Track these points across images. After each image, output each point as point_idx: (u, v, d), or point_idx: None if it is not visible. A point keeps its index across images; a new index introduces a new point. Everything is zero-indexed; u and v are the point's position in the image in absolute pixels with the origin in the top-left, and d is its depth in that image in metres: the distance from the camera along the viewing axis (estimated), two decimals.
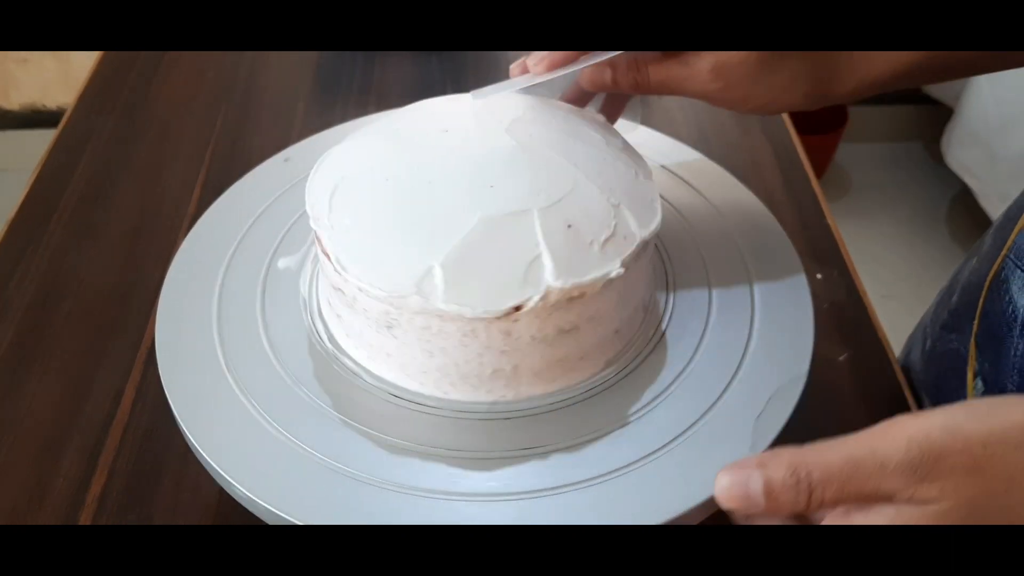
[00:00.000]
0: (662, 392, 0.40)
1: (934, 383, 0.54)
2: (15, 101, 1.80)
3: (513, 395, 0.40)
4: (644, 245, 0.39)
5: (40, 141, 0.73)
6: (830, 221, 0.62)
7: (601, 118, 0.45)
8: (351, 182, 0.41)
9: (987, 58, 0.42)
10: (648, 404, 0.39)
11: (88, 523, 0.44)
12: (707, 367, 0.41)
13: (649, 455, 0.37)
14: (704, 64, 0.39)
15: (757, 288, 0.45)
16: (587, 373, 0.41)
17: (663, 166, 0.53)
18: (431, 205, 0.38)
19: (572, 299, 0.37)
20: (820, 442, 0.29)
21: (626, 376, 0.41)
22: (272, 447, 0.38)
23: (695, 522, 0.36)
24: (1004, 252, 0.48)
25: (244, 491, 0.36)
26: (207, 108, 0.73)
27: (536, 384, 0.40)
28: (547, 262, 0.37)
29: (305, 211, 0.41)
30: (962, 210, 1.78)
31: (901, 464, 0.28)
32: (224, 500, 0.42)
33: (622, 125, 0.48)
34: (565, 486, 0.36)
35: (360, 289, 0.38)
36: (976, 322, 0.49)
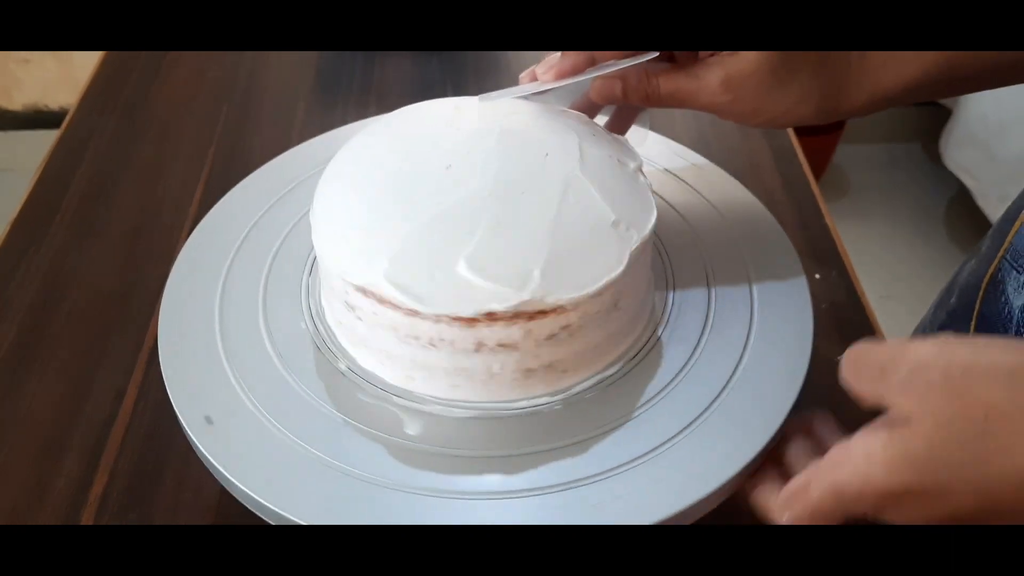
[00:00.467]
0: (661, 391, 0.40)
1: None
2: (17, 101, 1.80)
3: (514, 395, 0.40)
4: (642, 246, 0.40)
5: (42, 141, 0.73)
6: (829, 222, 0.62)
7: (585, 117, 0.45)
8: (349, 185, 0.41)
9: (997, 73, 0.42)
10: (647, 403, 0.39)
11: (89, 523, 0.44)
12: (706, 367, 0.41)
13: (647, 454, 0.37)
14: (714, 77, 0.39)
15: (757, 288, 0.45)
16: (587, 373, 0.41)
17: (659, 164, 0.53)
18: (429, 206, 0.38)
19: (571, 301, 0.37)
20: None
21: (626, 375, 0.41)
22: (274, 446, 0.38)
23: (693, 520, 0.36)
24: (1001, 253, 0.48)
25: (246, 490, 0.36)
26: (208, 108, 0.73)
27: (537, 384, 0.40)
28: (549, 265, 0.37)
29: (307, 211, 0.41)
30: (960, 211, 1.78)
31: (889, 367, 0.29)
32: (225, 500, 0.42)
33: (632, 134, 0.48)
34: (567, 484, 0.36)
35: (363, 294, 0.38)
36: (973, 323, 0.49)
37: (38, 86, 1.78)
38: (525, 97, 0.43)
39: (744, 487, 0.36)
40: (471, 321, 0.37)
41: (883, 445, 0.29)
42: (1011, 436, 0.27)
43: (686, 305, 0.44)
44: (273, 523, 0.36)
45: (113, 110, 0.72)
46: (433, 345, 0.38)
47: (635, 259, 0.39)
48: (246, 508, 0.37)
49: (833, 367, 0.45)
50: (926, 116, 1.87)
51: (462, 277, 0.37)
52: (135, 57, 0.78)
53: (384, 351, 0.40)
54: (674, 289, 0.45)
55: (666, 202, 0.50)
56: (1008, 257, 0.47)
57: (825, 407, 0.38)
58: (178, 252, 0.47)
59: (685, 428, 0.38)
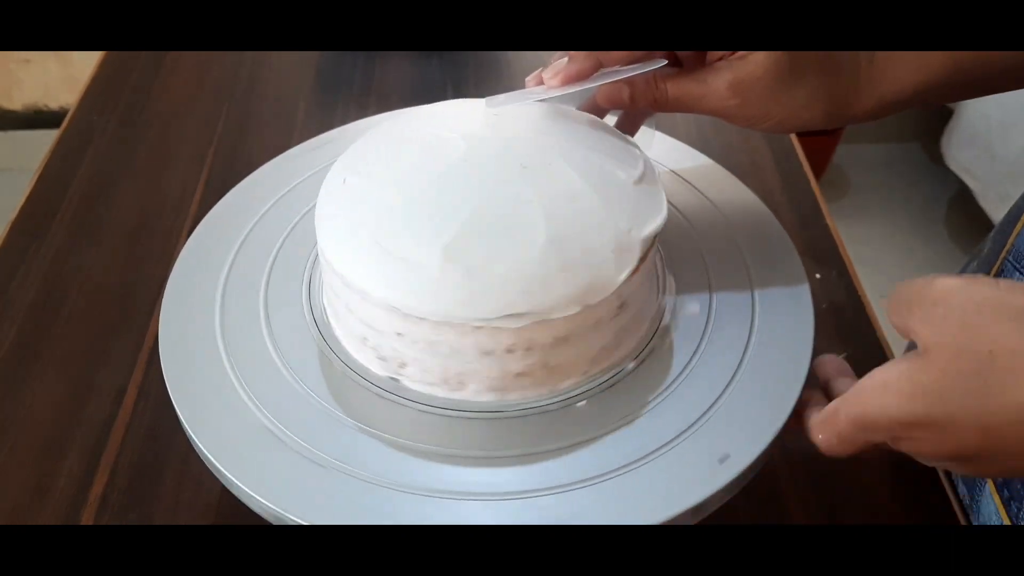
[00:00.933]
0: (663, 392, 0.40)
1: None
2: (18, 101, 1.80)
3: (516, 396, 0.40)
4: (645, 253, 0.40)
5: (42, 141, 0.73)
6: (829, 221, 0.62)
7: (593, 117, 0.45)
8: (354, 187, 0.41)
9: (1006, 76, 0.42)
10: (649, 403, 0.39)
11: (90, 522, 0.44)
12: (707, 366, 0.41)
13: (650, 454, 0.37)
14: (722, 81, 0.39)
15: (757, 288, 0.45)
16: (589, 375, 0.41)
17: (660, 163, 0.53)
18: (434, 211, 0.38)
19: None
20: None
21: (627, 376, 0.41)
22: (275, 446, 0.38)
23: (694, 521, 0.36)
24: (1003, 255, 0.48)
25: (247, 490, 0.36)
26: (208, 108, 0.73)
27: (539, 386, 0.40)
28: (552, 268, 0.37)
29: (308, 211, 0.41)
30: (961, 210, 1.78)
31: (915, 300, 0.31)
32: (226, 500, 0.42)
33: (639, 136, 0.48)
34: (568, 486, 0.36)
35: (362, 297, 0.38)
36: None
37: (38, 86, 1.78)
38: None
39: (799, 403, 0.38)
40: (476, 328, 0.37)
41: (898, 376, 0.31)
42: (1014, 370, 0.28)
43: (687, 305, 0.44)
44: (273, 523, 0.36)
45: (113, 110, 0.72)
46: (435, 348, 0.38)
47: (639, 267, 0.39)
48: (246, 508, 0.37)
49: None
50: (926, 116, 1.87)
51: (467, 285, 0.37)
52: (135, 57, 0.78)
53: (386, 352, 0.40)
54: (675, 289, 0.45)
55: (667, 201, 0.50)
56: (1011, 258, 0.47)
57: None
58: (178, 252, 0.47)
59: (687, 429, 0.38)
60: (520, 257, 0.37)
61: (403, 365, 0.40)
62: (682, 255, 0.47)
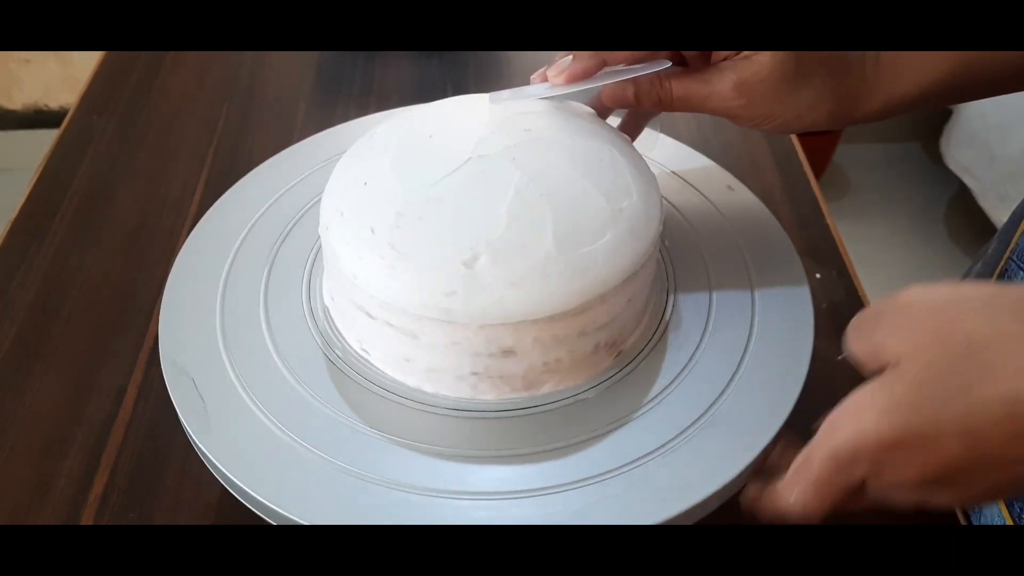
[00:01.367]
0: (662, 391, 0.40)
1: None
2: (18, 101, 1.80)
3: (515, 395, 0.40)
4: (648, 252, 0.40)
5: (42, 141, 0.73)
6: (829, 221, 0.62)
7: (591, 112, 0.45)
8: (362, 187, 0.41)
9: (1009, 77, 0.42)
10: (649, 403, 0.39)
11: (90, 522, 0.44)
12: (707, 366, 0.41)
13: (649, 454, 0.37)
14: (727, 81, 0.39)
15: (757, 288, 0.45)
16: (588, 373, 0.41)
17: (661, 164, 0.53)
18: (445, 214, 0.38)
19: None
20: None
21: (627, 376, 0.41)
22: (275, 445, 0.38)
23: (694, 521, 0.36)
24: (1007, 254, 0.48)
25: (247, 490, 0.36)
26: (208, 108, 0.73)
27: (539, 385, 0.40)
28: (554, 270, 0.37)
29: (308, 210, 0.41)
30: (961, 210, 1.78)
31: (881, 314, 0.30)
32: (226, 499, 0.42)
33: (643, 138, 0.48)
34: (568, 485, 0.36)
35: (368, 295, 0.38)
36: None
37: (38, 86, 1.78)
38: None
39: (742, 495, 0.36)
40: (480, 327, 0.37)
41: (872, 394, 0.29)
42: (991, 364, 0.27)
43: (687, 304, 0.44)
44: (274, 523, 0.36)
45: (113, 110, 0.72)
46: (437, 347, 0.38)
47: (644, 262, 0.39)
48: (246, 508, 0.37)
49: (833, 367, 0.45)
50: (926, 116, 1.87)
51: (469, 284, 0.37)
52: (135, 57, 0.78)
53: (388, 351, 0.40)
54: (675, 289, 0.45)
55: (667, 201, 0.50)
56: (1015, 258, 0.47)
57: (825, 407, 0.38)
58: (178, 252, 0.47)
59: (687, 428, 0.38)
60: (526, 257, 0.37)
61: (406, 363, 0.40)
62: (682, 255, 0.47)
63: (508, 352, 0.38)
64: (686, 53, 0.42)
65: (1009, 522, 0.43)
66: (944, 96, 0.41)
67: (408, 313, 0.38)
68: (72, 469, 0.46)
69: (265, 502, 0.35)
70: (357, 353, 0.42)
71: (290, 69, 0.77)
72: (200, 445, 0.38)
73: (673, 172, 0.52)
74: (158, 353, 0.41)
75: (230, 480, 0.37)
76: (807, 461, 0.31)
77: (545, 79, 0.42)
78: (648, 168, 0.43)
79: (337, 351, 0.42)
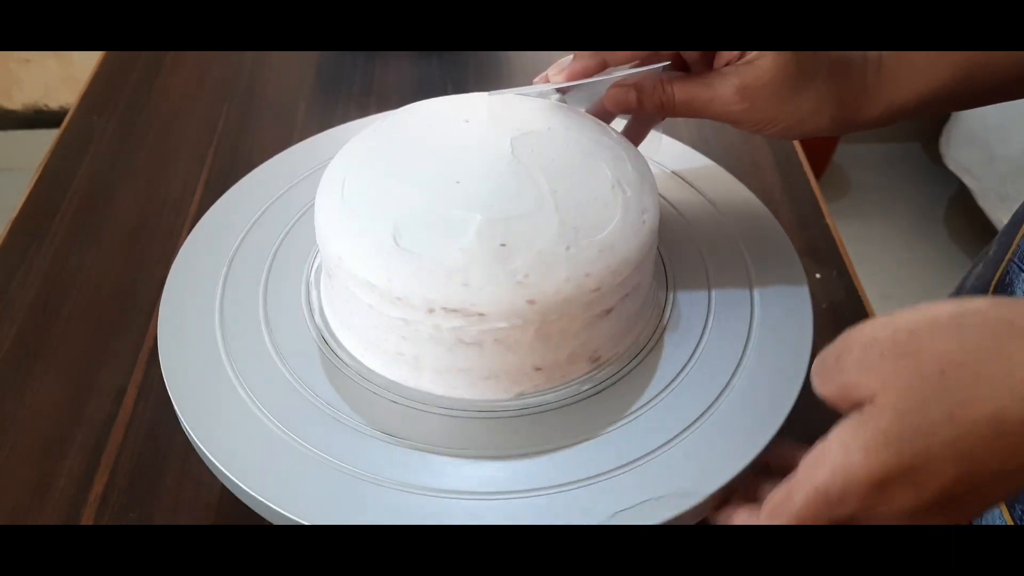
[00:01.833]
0: (661, 391, 0.40)
1: None
2: (18, 101, 1.80)
3: (514, 394, 0.40)
4: (648, 249, 0.40)
5: (42, 141, 0.73)
6: (829, 221, 0.62)
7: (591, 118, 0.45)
8: (357, 184, 0.41)
9: (1010, 82, 0.42)
10: (647, 403, 0.39)
11: (90, 522, 0.44)
12: (707, 366, 0.41)
13: (648, 454, 0.37)
14: (729, 86, 0.39)
15: (757, 288, 0.45)
16: (587, 373, 0.41)
17: (661, 164, 0.53)
18: (438, 208, 0.38)
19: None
20: None
21: (626, 375, 0.41)
22: (275, 445, 0.38)
23: (694, 521, 0.36)
24: (1008, 256, 0.48)
25: (247, 489, 0.36)
26: (209, 108, 0.73)
27: (538, 383, 0.40)
28: (553, 268, 0.37)
29: (308, 209, 0.41)
30: (960, 211, 1.78)
31: (843, 354, 0.29)
32: (226, 499, 0.42)
33: (647, 141, 0.48)
34: (567, 484, 0.36)
35: (372, 294, 0.38)
36: None
37: (38, 86, 1.78)
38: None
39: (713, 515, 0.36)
40: (481, 326, 0.37)
41: (854, 430, 0.28)
42: (971, 384, 0.27)
43: (686, 305, 0.44)
44: (274, 523, 0.36)
45: (113, 110, 0.72)
46: (437, 346, 0.38)
47: (644, 259, 0.39)
48: (247, 508, 0.37)
49: None
50: (926, 116, 1.87)
51: (471, 284, 0.37)
52: (135, 57, 0.78)
53: (388, 349, 0.40)
54: (674, 289, 0.45)
55: (666, 201, 0.50)
56: (1016, 259, 0.47)
57: (824, 407, 0.38)
58: (178, 252, 0.47)
59: (686, 428, 0.38)
60: (528, 252, 0.37)
61: (405, 363, 0.40)
62: (682, 255, 0.47)
63: (509, 349, 0.38)
64: (688, 58, 0.42)
65: (1009, 522, 0.43)
66: (946, 102, 0.41)
67: (407, 311, 0.38)
68: (72, 469, 0.46)
69: (265, 502, 0.35)
70: (357, 353, 0.42)
71: (290, 69, 0.77)
72: (200, 445, 0.38)
73: (673, 172, 0.52)
74: (158, 353, 0.41)
75: (230, 480, 0.37)
76: (787, 497, 0.30)
77: (547, 81, 0.42)
78: (646, 163, 0.43)
79: (337, 351, 0.42)
